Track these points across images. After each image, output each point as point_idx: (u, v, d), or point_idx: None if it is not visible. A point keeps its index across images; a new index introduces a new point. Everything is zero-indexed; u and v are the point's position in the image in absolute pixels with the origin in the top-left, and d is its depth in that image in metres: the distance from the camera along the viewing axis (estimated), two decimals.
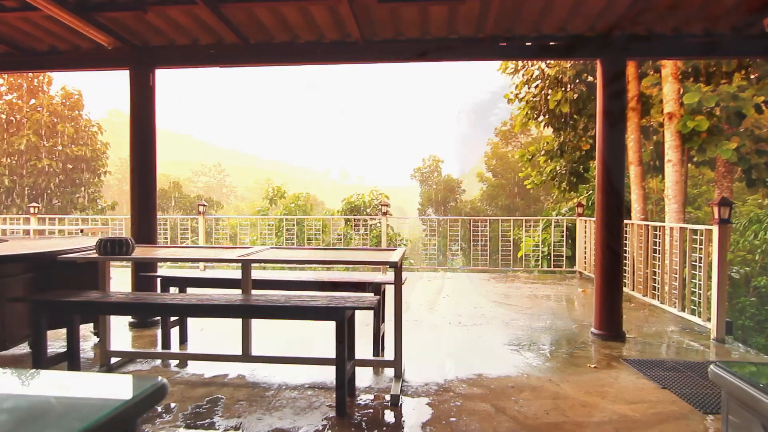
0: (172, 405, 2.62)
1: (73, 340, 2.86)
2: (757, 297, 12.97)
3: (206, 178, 67.12)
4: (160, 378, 0.84)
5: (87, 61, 4.46)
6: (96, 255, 2.77)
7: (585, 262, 7.32)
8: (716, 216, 3.89)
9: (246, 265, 2.80)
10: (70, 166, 17.25)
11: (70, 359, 2.85)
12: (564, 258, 8.43)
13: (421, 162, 28.67)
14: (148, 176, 4.43)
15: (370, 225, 11.65)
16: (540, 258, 9.61)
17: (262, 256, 2.83)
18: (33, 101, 17.27)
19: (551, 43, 4.03)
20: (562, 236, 8.68)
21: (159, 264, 4.83)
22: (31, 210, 8.59)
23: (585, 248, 7.33)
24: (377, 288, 3.33)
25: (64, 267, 3.31)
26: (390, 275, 3.78)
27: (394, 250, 3.16)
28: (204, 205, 8.21)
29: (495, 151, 28.15)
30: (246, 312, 2.62)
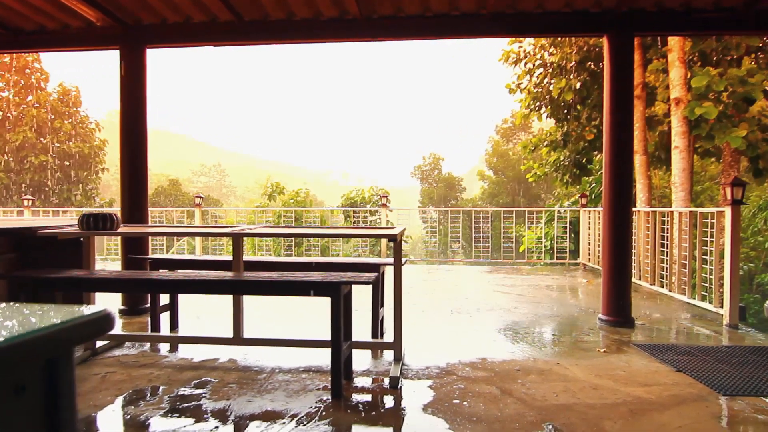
0: (159, 388, 2.47)
1: None
2: (760, 294, 12.80)
3: (206, 178, 67.03)
4: (104, 308, 0.69)
5: (76, 40, 4.31)
6: (78, 230, 2.62)
7: (589, 254, 7.17)
8: (729, 196, 3.74)
9: (237, 239, 2.65)
10: (68, 163, 17.13)
11: None
12: (567, 252, 8.29)
13: (422, 160, 28.54)
14: (139, 159, 4.27)
15: (370, 221, 11.53)
16: (543, 252, 9.46)
17: (255, 232, 2.68)
18: (30, 98, 17.15)
19: (556, 19, 3.88)
20: (565, 230, 8.53)
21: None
22: (25, 203, 8.45)
23: (589, 240, 7.18)
24: (376, 269, 3.18)
25: (50, 248, 3.16)
26: (389, 258, 3.63)
27: (393, 228, 3.01)
28: (201, 197, 8.05)
29: (496, 148, 28.01)
30: (237, 288, 2.47)
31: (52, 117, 17.01)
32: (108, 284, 2.50)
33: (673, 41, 6.35)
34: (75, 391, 0.65)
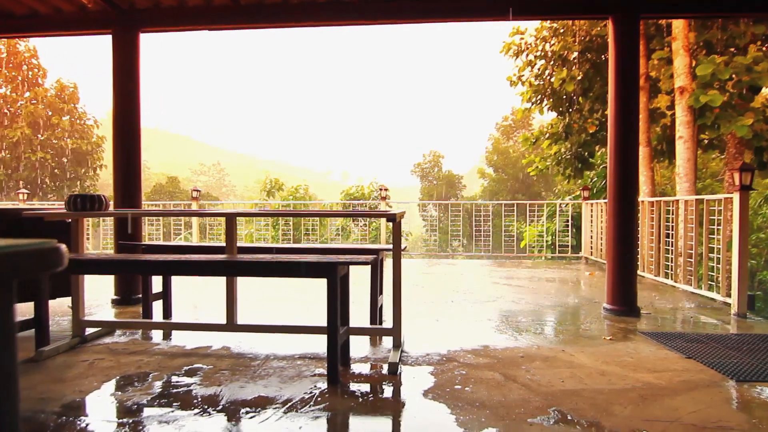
0: (149, 374, 2.37)
1: (41, 307, 2.61)
2: (762, 292, 12.70)
3: (205, 177, 66.91)
4: (53, 240, 0.60)
5: (68, 24, 4.22)
6: (65, 211, 2.52)
7: (591, 247, 7.07)
8: (737, 182, 3.64)
9: (231, 220, 2.55)
10: (66, 160, 17.03)
11: (38, 327, 2.60)
12: (569, 247, 8.20)
13: (422, 157, 28.40)
14: (132, 144, 4.16)
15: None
16: (544, 247, 9.37)
17: (250, 212, 2.58)
18: (28, 94, 17.04)
19: (560, 1, 3.79)
20: (567, 225, 8.44)
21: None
22: (20, 197, 8.35)
23: (591, 233, 7.08)
24: (375, 261, 3.07)
25: (38, 235, 3.06)
26: (388, 245, 3.53)
27: (392, 212, 2.91)
28: (198, 191, 7.94)
29: (496, 146, 27.89)
30: (230, 269, 2.37)
31: (50, 113, 16.90)
32: (96, 266, 2.40)
33: (678, 29, 6.25)
34: (14, 331, 0.55)
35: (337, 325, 2.26)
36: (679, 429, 1.78)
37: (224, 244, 2.85)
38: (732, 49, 6.99)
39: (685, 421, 1.84)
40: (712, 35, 6.57)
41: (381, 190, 7.74)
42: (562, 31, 8.10)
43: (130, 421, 1.87)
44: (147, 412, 1.94)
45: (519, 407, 1.97)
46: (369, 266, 3.11)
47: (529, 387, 2.20)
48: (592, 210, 7.03)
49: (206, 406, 1.99)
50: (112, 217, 4.46)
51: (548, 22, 8.26)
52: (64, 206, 2.74)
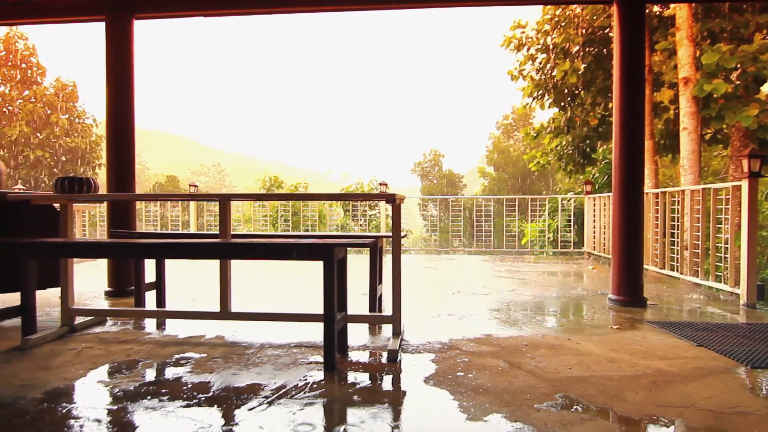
0: (138, 362, 2.27)
1: (27, 294, 2.52)
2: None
3: (205, 177, 66.81)
4: None
5: (60, 11, 4.13)
6: (53, 194, 2.43)
7: (594, 242, 6.97)
8: (746, 169, 3.55)
9: (224, 203, 2.46)
10: (65, 158, 16.95)
11: (24, 315, 2.50)
12: (571, 242, 8.11)
13: (422, 156, 28.31)
14: (126, 135, 4.07)
15: (369, 215, 11.36)
16: (546, 243, 9.28)
17: (244, 193, 2.49)
18: (26, 92, 16.97)
19: None
20: (569, 222, 8.35)
21: None
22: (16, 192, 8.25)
23: (594, 227, 6.98)
24: (374, 245, 2.98)
25: (27, 222, 2.97)
26: (387, 233, 3.43)
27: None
28: (195, 186, 7.85)
29: (497, 145, 27.80)
30: (224, 251, 2.28)
31: (49, 112, 16.83)
32: (85, 249, 2.31)
33: (682, 19, 6.15)
34: None
35: (334, 310, 2.17)
36: (696, 414, 1.69)
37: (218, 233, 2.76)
38: (736, 42, 6.90)
39: (700, 407, 1.74)
40: (716, 25, 6.47)
41: (381, 184, 7.66)
42: (563, 23, 8.01)
43: (115, 407, 1.78)
44: (134, 399, 1.85)
45: (525, 393, 1.88)
46: (368, 259, 3.03)
47: (534, 374, 2.10)
48: (594, 204, 6.94)
49: (196, 393, 1.89)
50: (106, 210, 4.37)
51: (549, 14, 8.18)
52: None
